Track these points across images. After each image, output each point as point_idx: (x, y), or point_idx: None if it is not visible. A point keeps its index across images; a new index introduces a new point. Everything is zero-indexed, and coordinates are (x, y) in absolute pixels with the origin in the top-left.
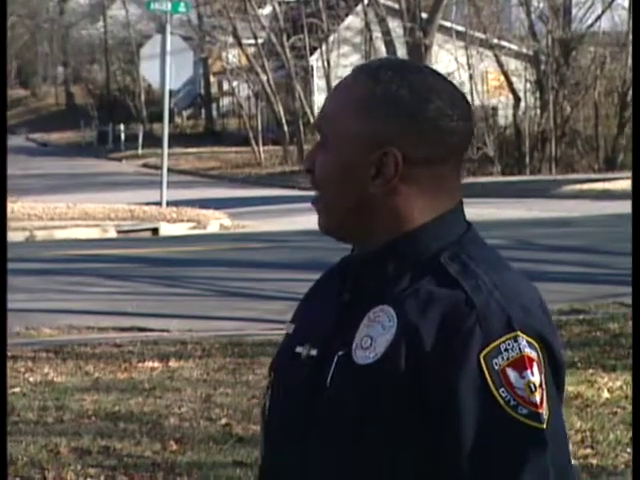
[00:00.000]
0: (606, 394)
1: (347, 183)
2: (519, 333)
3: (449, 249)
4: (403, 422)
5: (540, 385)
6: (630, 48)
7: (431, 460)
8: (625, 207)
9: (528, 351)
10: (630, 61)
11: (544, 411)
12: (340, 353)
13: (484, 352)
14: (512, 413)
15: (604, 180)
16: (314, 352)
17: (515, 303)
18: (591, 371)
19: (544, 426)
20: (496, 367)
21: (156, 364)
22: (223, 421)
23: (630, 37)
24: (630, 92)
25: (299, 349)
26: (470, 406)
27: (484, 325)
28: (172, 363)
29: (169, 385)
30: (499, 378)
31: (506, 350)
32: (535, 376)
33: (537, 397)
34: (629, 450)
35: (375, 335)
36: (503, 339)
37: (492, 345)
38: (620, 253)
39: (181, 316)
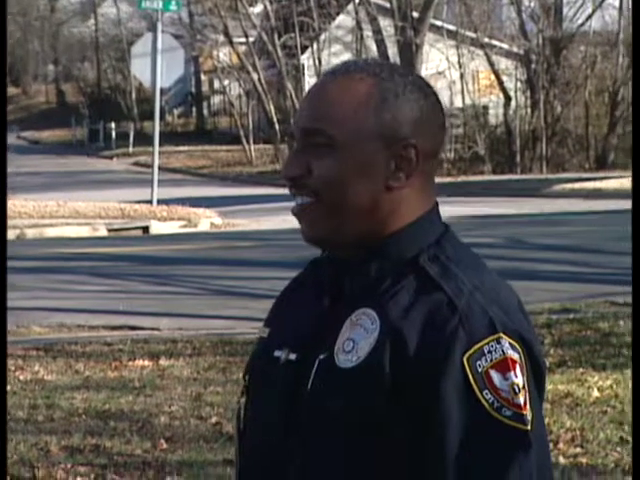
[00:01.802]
0: (596, 393)
1: (362, 183)
2: (502, 335)
3: (428, 250)
4: (386, 425)
5: (523, 387)
6: (626, 48)
7: (416, 461)
8: (615, 206)
9: (511, 353)
10: (621, 60)
11: (528, 413)
12: (321, 357)
13: (467, 354)
14: (496, 415)
15: (595, 179)
16: (293, 356)
17: (495, 305)
18: (581, 370)
19: (529, 427)
20: (479, 369)
21: (146, 362)
22: (213, 420)
23: (631, 37)
24: (621, 91)
25: (277, 353)
26: (454, 409)
27: (467, 327)
28: (162, 361)
29: (159, 383)
30: (482, 380)
31: (489, 352)
32: (518, 378)
33: (521, 399)
34: (619, 449)
35: (357, 338)
36: (486, 341)
37: (475, 347)
38: (611, 252)
39: (171, 314)
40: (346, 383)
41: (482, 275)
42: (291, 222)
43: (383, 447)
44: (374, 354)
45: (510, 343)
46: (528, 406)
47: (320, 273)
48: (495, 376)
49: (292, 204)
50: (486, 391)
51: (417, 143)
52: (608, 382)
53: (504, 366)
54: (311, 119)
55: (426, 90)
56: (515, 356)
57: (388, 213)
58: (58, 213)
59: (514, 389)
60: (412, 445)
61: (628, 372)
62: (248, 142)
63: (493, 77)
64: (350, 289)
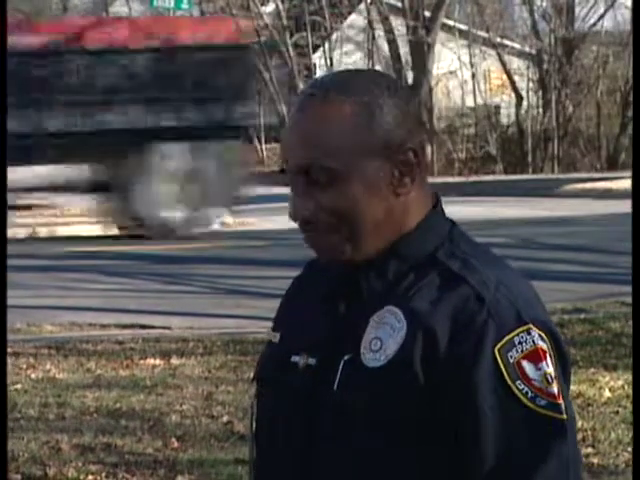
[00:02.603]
0: (607, 393)
1: (373, 201)
2: (531, 326)
3: (443, 246)
4: (420, 420)
5: (556, 376)
6: (631, 47)
7: (453, 455)
8: (627, 206)
9: (541, 344)
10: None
11: (562, 402)
12: (346, 358)
13: (498, 346)
14: (531, 405)
15: (606, 179)
16: (312, 361)
17: (520, 297)
18: (593, 370)
19: (564, 416)
20: (511, 360)
21: (158, 361)
22: (224, 419)
23: (631, 37)
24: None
25: (295, 359)
26: (488, 401)
27: (496, 319)
28: (174, 360)
29: (170, 382)
30: (515, 371)
31: (520, 343)
32: (550, 367)
33: (555, 388)
34: (630, 449)
35: (384, 337)
36: (516, 332)
37: (506, 338)
38: (622, 252)
39: (182, 313)
40: (376, 382)
41: (502, 269)
42: None
43: (418, 443)
44: (403, 351)
45: (539, 334)
46: (561, 395)
47: (326, 275)
48: (527, 366)
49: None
50: (519, 381)
51: (412, 145)
52: (620, 382)
53: (536, 356)
54: (305, 156)
55: (398, 88)
56: (545, 346)
57: (401, 217)
58: (70, 212)
59: (547, 379)
60: (448, 439)
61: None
62: (260, 141)
63: (505, 77)
64: (368, 290)
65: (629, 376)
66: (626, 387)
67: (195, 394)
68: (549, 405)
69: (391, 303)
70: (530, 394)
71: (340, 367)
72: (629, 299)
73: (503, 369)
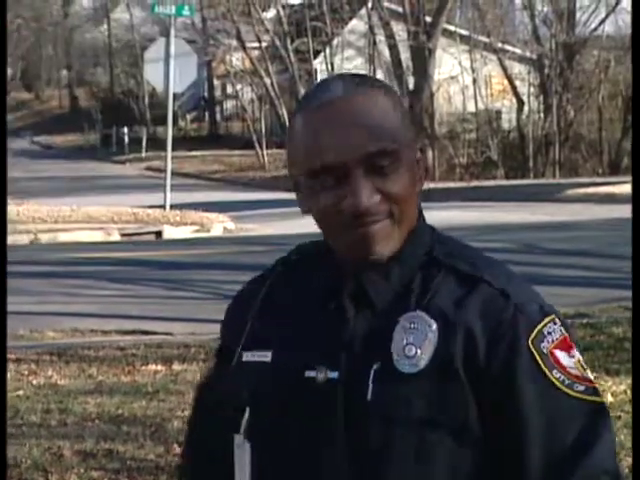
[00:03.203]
0: (610, 398)
1: (415, 191)
2: (554, 316)
3: (435, 248)
4: (464, 421)
5: (585, 362)
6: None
7: (498, 451)
8: (629, 211)
9: (566, 333)
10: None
11: (597, 386)
12: (375, 367)
13: (531, 338)
14: (570, 392)
15: (608, 184)
16: (334, 374)
17: (531, 290)
18: (595, 375)
19: (603, 399)
20: (545, 350)
21: (159, 367)
22: None
23: (630, 39)
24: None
25: (311, 374)
26: (529, 393)
27: (525, 312)
28: (175, 366)
29: (172, 388)
30: (550, 361)
31: (549, 333)
32: (579, 354)
33: (589, 374)
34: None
35: (417, 342)
36: (544, 323)
37: (537, 330)
38: (624, 257)
39: (184, 319)
40: (417, 388)
41: (500, 265)
42: (304, 226)
43: (463, 443)
44: (442, 353)
45: (561, 323)
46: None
47: (312, 282)
48: (560, 355)
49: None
50: (555, 370)
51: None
52: (622, 387)
53: (566, 345)
54: (371, 142)
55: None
56: (569, 335)
57: (415, 214)
58: (71, 218)
59: (581, 365)
60: (493, 437)
61: None
62: (261, 147)
63: (506, 82)
64: (376, 294)
65: (631, 381)
66: (628, 392)
67: None
68: (587, 390)
69: (412, 308)
70: (567, 381)
71: (370, 377)
72: (631, 304)
73: (539, 360)
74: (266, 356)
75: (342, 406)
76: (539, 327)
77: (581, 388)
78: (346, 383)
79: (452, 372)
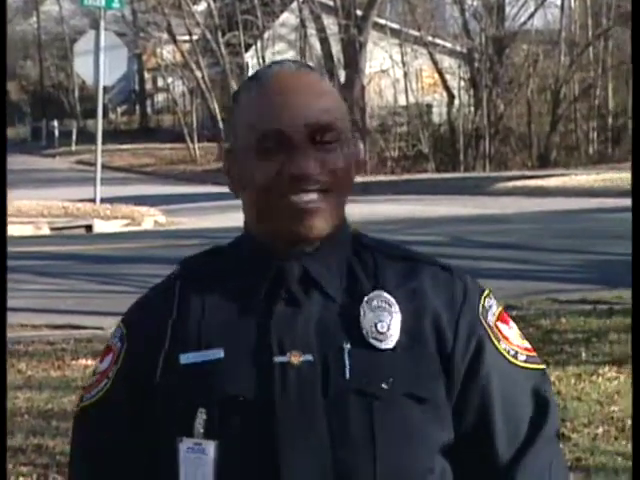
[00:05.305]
0: None
1: (352, 177)
2: (489, 290)
3: (360, 236)
4: (438, 393)
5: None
6: (568, 47)
7: (466, 419)
8: (558, 204)
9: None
10: (563, 58)
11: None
12: (348, 347)
13: (479, 312)
14: (516, 362)
15: (537, 177)
16: (309, 357)
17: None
18: None
19: (543, 365)
20: (490, 323)
21: (90, 362)
22: None
23: (573, 36)
24: (563, 89)
25: (281, 359)
26: (490, 363)
27: (470, 287)
28: None
29: None
30: (496, 333)
31: (490, 306)
32: (514, 324)
33: (527, 343)
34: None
35: (386, 319)
36: (484, 296)
37: (481, 305)
38: (553, 250)
39: (115, 313)
40: (392, 362)
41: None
42: (235, 220)
43: (439, 418)
44: (409, 330)
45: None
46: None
47: (243, 271)
48: (502, 327)
49: (235, 202)
50: (501, 342)
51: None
52: (551, 379)
53: (504, 316)
54: (322, 114)
55: None
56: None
57: (346, 204)
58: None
59: (519, 335)
60: (459, 409)
61: (570, 369)
62: (192, 140)
63: (437, 76)
64: (323, 278)
65: (560, 372)
66: (557, 383)
67: None
68: (529, 359)
69: (368, 288)
70: (511, 352)
71: (345, 355)
72: (560, 296)
73: (490, 332)
74: (217, 354)
75: (320, 386)
76: (482, 301)
77: (523, 357)
78: (322, 364)
79: (422, 346)
